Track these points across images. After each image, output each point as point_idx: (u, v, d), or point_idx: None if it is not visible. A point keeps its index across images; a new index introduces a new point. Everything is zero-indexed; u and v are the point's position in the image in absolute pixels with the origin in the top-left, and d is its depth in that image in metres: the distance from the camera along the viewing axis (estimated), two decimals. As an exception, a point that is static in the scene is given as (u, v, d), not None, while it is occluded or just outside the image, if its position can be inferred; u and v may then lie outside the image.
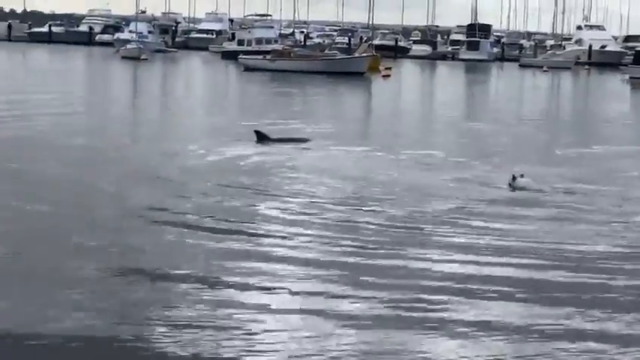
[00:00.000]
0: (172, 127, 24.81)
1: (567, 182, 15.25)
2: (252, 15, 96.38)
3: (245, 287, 8.50)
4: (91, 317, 7.44)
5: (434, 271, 9.29)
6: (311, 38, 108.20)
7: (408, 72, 75.86)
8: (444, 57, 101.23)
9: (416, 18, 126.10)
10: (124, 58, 72.33)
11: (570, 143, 23.39)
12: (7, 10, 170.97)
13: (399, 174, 15.86)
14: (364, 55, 62.23)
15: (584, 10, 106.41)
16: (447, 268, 9.42)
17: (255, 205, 12.42)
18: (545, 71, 76.59)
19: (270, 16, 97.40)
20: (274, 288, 8.50)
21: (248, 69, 59.56)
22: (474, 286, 8.67)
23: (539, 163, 18.16)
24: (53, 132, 21.58)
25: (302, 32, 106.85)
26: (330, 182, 14.74)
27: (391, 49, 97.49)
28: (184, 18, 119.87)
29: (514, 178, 14.29)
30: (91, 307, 7.71)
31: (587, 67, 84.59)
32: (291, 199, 13.02)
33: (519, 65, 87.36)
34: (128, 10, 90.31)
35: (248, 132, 20.89)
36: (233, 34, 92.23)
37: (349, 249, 10.09)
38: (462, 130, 26.70)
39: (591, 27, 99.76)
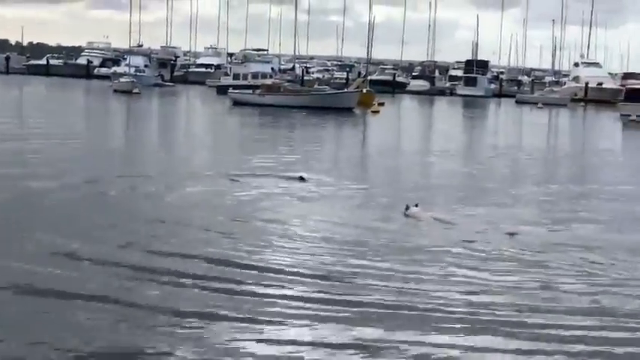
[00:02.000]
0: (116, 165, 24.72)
1: (473, 218, 15.57)
2: (248, 50, 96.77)
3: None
4: None
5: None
6: (310, 73, 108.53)
7: (401, 108, 75.95)
8: (442, 92, 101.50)
9: (417, 54, 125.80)
10: (116, 91, 72.64)
11: (532, 181, 23.31)
12: (12, 42, 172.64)
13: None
14: (353, 90, 62.43)
15: (582, 47, 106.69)
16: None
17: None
18: (540, 108, 76.58)
19: (267, 50, 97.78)
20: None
21: (237, 103, 59.66)
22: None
23: (480, 201, 18.06)
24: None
25: (302, 67, 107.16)
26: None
27: (389, 84, 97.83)
28: (187, 52, 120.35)
29: (407, 207, 15.15)
30: None
31: (583, 104, 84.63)
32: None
33: (515, 101, 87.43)
34: (128, 44, 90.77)
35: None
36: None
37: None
38: (422, 167, 26.70)
39: (588, 64, 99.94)
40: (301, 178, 20.21)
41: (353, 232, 13.84)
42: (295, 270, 11.03)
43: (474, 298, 9.88)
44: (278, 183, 19.81)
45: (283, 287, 10.21)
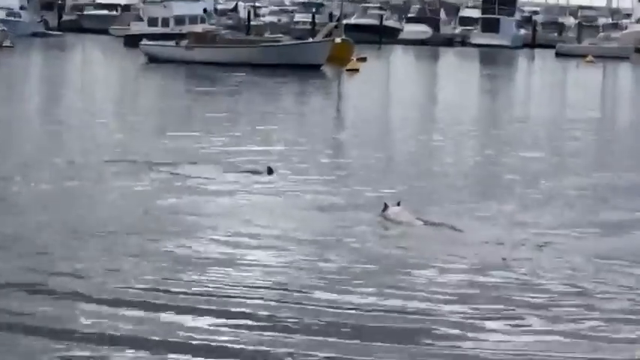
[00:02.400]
0: None
1: (476, 221, 15.89)
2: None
3: None
4: None
5: None
6: (260, 16, 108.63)
7: (390, 64, 76.25)
8: (449, 42, 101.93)
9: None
10: (-21, 45, 72.51)
11: (572, 169, 23.54)
12: None
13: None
14: (322, 40, 62.49)
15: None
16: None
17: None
18: (590, 62, 77.01)
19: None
20: None
21: (154, 60, 59.70)
22: None
23: (492, 198, 18.31)
24: None
25: (247, 7, 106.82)
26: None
27: (374, 30, 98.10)
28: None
29: (386, 206, 15.51)
30: None
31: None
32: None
33: (556, 54, 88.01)
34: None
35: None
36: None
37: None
38: (417, 151, 26.88)
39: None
40: (269, 170, 20.21)
41: (307, 247, 13.98)
42: (225, 293, 11.33)
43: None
44: (213, 174, 19.93)
45: (210, 314, 10.50)
